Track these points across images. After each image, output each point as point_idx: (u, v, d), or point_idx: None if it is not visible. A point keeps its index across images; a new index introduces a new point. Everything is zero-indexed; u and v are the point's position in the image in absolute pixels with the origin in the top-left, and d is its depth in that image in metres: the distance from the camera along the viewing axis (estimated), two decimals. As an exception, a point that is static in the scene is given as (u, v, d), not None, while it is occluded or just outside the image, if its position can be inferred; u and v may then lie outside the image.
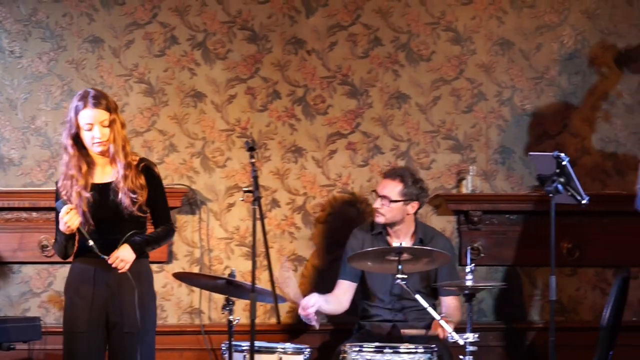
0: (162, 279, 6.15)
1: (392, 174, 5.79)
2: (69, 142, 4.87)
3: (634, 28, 6.39)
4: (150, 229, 5.01)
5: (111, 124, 4.85)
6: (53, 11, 6.23)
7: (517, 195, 6.32)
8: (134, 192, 4.87)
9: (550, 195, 5.34)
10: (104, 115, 4.83)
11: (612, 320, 5.36)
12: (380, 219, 5.72)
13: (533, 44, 6.38)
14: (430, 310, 5.21)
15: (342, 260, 5.82)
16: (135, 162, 4.93)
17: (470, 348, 5.03)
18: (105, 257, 4.80)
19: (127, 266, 4.82)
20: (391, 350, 5.11)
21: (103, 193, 4.88)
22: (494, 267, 6.32)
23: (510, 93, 6.38)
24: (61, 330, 4.99)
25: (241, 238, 6.26)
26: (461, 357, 5.05)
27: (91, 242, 4.77)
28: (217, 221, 6.27)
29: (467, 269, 5.08)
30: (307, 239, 6.30)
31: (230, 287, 5.05)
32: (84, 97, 4.84)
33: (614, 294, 5.43)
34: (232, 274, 5.03)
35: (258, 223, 4.64)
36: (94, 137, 4.83)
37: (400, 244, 5.33)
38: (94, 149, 4.87)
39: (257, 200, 4.67)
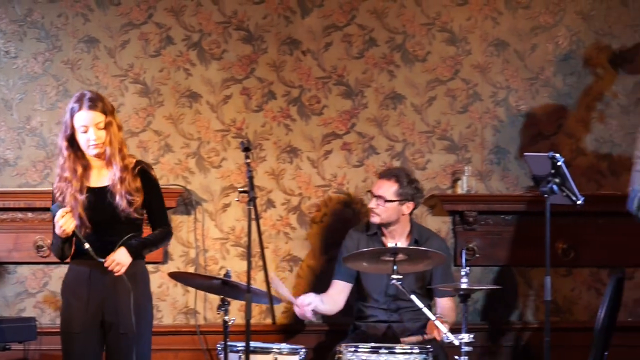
0: (157, 279, 6.14)
1: (387, 174, 5.79)
2: (64, 144, 4.86)
3: (628, 29, 6.40)
4: (147, 231, 5.01)
5: (107, 127, 4.84)
6: (48, 11, 6.22)
7: (512, 196, 6.32)
8: (130, 195, 4.86)
9: (545, 195, 5.36)
10: (99, 117, 4.83)
11: (607, 321, 5.37)
12: (375, 219, 5.72)
13: (528, 45, 6.38)
14: (426, 310, 5.22)
15: (338, 261, 5.83)
16: (131, 165, 4.91)
17: (466, 348, 5.04)
18: (102, 260, 4.80)
19: (123, 269, 4.82)
20: (387, 351, 5.10)
21: (99, 196, 4.87)
22: (489, 267, 6.33)
23: (506, 94, 6.38)
24: (56, 330, 5.00)
25: (236, 238, 6.26)
26: (456, 357, 5.05)
27: (87, 246, 4.76)
28: (213, 221, 6.27)
29: (462, 272, 5.08)
30: (303, 239, 6.30)
31: (225, 288, 5.05)
32: (80, 99, 4.84)
33: (608, 295, 5.43)
34: (227, 274, 5.03)
35: (253, 223, 4.64)
36: (89, 139, 4.82)
37: (396, 244, 5.31)
38: (89, 152, 4.86)
39: (252, 200, 4.66)
